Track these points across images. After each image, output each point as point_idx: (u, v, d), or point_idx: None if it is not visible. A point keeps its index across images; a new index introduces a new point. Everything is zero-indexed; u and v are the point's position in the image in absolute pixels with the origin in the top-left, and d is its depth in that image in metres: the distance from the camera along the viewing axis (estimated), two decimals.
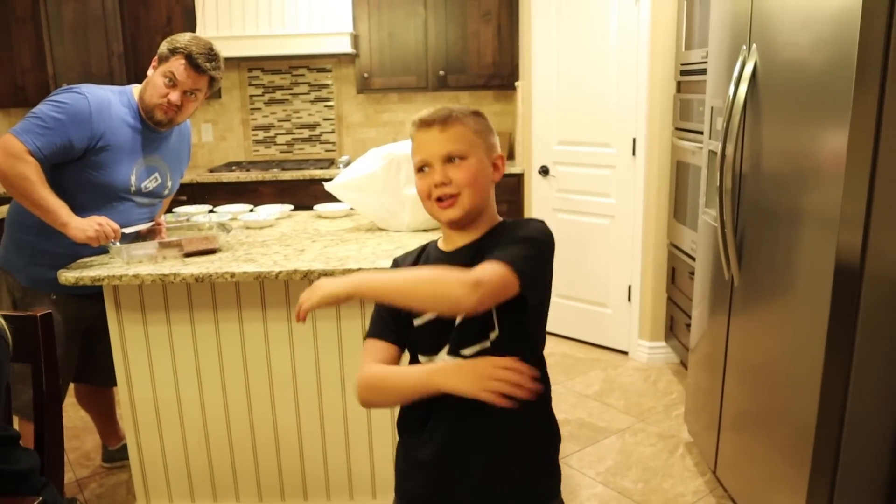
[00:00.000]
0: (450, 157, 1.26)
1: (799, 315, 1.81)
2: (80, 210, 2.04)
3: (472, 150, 1.27)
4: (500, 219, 1.34)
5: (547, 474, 1.35)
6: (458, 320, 1.26)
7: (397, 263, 1.44)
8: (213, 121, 4.85)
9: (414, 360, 1.35)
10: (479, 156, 1.28)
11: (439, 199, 1.27)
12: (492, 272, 1.15)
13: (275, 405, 2.21)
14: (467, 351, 1.26)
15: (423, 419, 1.32)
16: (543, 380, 1.30)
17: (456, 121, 1.28)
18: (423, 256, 1.37)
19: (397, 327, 1.34)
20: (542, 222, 1.30)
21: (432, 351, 1.30)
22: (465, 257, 1.26)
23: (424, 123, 1.29)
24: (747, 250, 2.12)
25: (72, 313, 2.21)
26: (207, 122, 4.84)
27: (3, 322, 1.37)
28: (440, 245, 1.36)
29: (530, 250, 1.22)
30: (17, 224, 2.18)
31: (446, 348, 1.28)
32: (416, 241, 2.26)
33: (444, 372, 1.20)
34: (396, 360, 1.35)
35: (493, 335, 1.25)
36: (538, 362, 1.30)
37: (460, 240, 1.31)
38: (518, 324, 1.26)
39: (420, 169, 1.29)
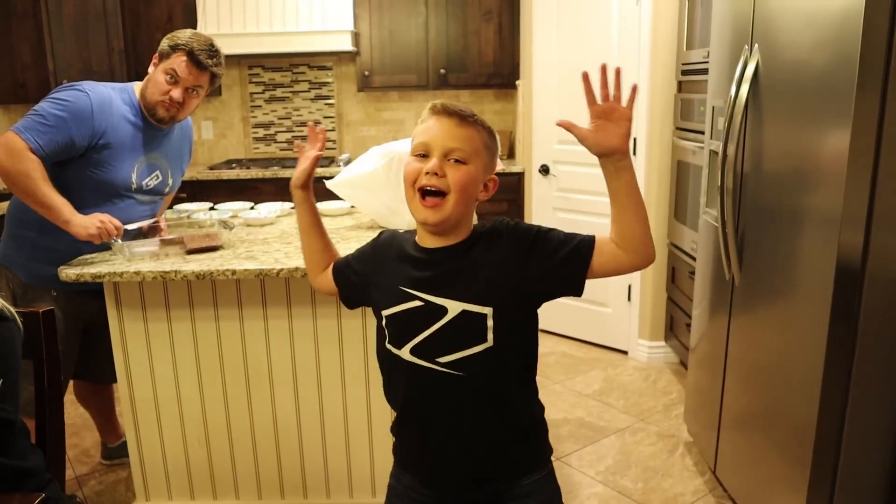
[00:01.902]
0: (451, 154, 1.23)
1: (800, 315, 1.81)
2: (81, 207, 2.03)
3: (474, 158, 1.24)
4: (474, 224, 1.32)
5: (521, 459, 1.35)
6: (437, 325, 1.25)
7: (382, 235, 1.42)
8: (214, 118, 4.84)
9: (381, 346, 1.35)
10: (478, 167, 1.25)
11: (425, 193, 1.23)
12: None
13: (275, 403, 2.21)
14: (443, 359, 1.25)
15: (401, 415, 1.39)
16: (531, 384, 1.34)
17: (474, 123, 1.25)
18: (396, 245, 1.35)
19: (356, 291, 1.43)
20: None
21: (397, 343, 1.30)
22: (448, 257, 1.27)
23: (444, 111, 1.24)
24: (748, 250, 2.12)
25: (72, 310, 2.21)
26: (208, 120, 4.83)
27: (12, 309, 1.38)
28: (418, 240, 1.32)
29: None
30: (18, 220, 2.18)
31: (409, 346, 1.28)
32: None
33: None
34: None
35: (484, 346, 1.24)
36: (531, 370, 1.33)
37: (439, 241, 1.28)
38: (514, 333, 1.26)
39: (418, 154, 1.25)
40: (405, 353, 1.28)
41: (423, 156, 1.24)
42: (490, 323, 1.23)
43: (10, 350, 1.37)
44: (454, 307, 1.24)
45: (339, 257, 1.50)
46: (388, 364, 1.34)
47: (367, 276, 1.39)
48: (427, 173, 1.22)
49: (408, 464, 1.39)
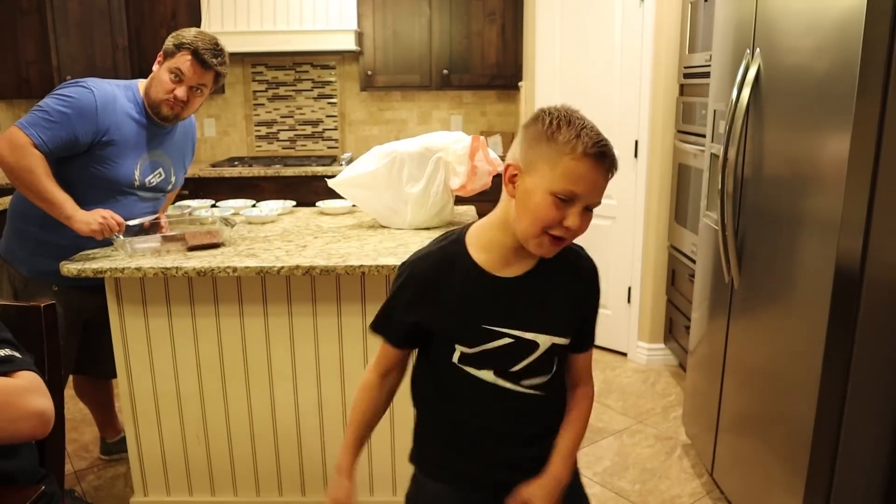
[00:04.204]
0: (591, 207, 1.13)
1: (798, 319, 1.81)
2: (83, 203, 2.04)
3: None
4: None
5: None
6: (528, 359, 1.24)
7: (415, 268, 1.25)
8: (216, 116, 4.85)
9: (447, 364, 1.26)
10: None
11: (554, 238, 1.14)
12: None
13: (274, 400, 2.21)
14: (528, 381, 1.27)
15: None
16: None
17: (615, 167, 1.13)
18: (459, 271, 1.21)
19: (413, 334, 1.28)
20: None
21: (476, 367, 1.25)
22: (528, 286, 1.22)
23: (598, 158, 1.09)
24: (748, 254, 2.12)
25: (73, 305, 2.21)
26: (210, 117, 4.85)
27: None
28: (486, 266, 1.21)
29: None
30: (20, 215, 2.19)
31: (493, 370, 1.25)
32: (417, 239, 2.28)
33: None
34: (405, 363, 1.35)
35: (555, 370, 1.30)
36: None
37: (515, 267, 1.21)
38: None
39: (562, 197, 1.10)
40: (488, 375, 1.24)
41: (565, 201, 1.11)
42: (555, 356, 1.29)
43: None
44: (545, 341, 1.23)
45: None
46: (456, 380, 1.26)
47: (427, 319, 1.24)
48: (567, 228, 1.12)
49: (447, 470, 1.35)
